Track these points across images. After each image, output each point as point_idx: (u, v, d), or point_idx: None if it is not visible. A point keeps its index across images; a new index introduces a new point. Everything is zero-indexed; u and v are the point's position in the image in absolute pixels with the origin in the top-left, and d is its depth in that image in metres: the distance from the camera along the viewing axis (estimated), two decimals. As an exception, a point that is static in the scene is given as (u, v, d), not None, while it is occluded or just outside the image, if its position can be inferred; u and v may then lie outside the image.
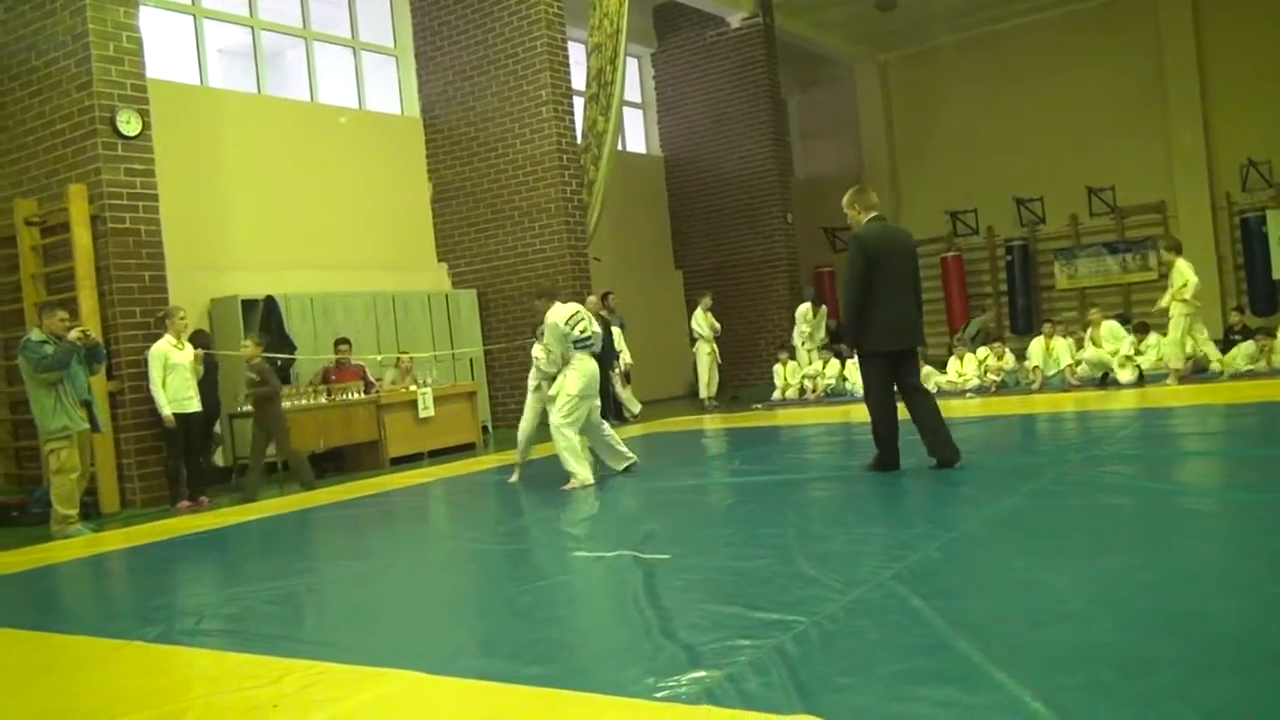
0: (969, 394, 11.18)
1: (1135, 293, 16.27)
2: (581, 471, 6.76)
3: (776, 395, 12.95)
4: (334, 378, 9.77)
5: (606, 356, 11.19)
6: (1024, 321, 17.07)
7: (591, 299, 11.40)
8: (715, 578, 4.00)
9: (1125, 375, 10.37)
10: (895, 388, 6.02)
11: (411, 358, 10.64)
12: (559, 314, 6.87)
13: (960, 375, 11.65)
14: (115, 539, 6.64)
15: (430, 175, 13.01)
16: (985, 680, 2.53)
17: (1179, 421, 7.64)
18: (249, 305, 10.05)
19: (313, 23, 12.17)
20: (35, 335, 6.96)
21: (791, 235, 16.37)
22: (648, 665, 2.92)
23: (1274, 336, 10.56)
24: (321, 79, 12.15)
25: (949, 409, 9.74)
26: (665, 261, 16.97)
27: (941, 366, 12.20)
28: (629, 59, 14.54)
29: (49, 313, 7.08)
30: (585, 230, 12.43)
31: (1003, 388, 11.22)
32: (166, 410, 7.78)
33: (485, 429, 11.58)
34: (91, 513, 7.67)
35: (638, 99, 17.21)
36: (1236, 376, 10.17)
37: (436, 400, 10.08)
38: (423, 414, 9.95)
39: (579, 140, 12.48)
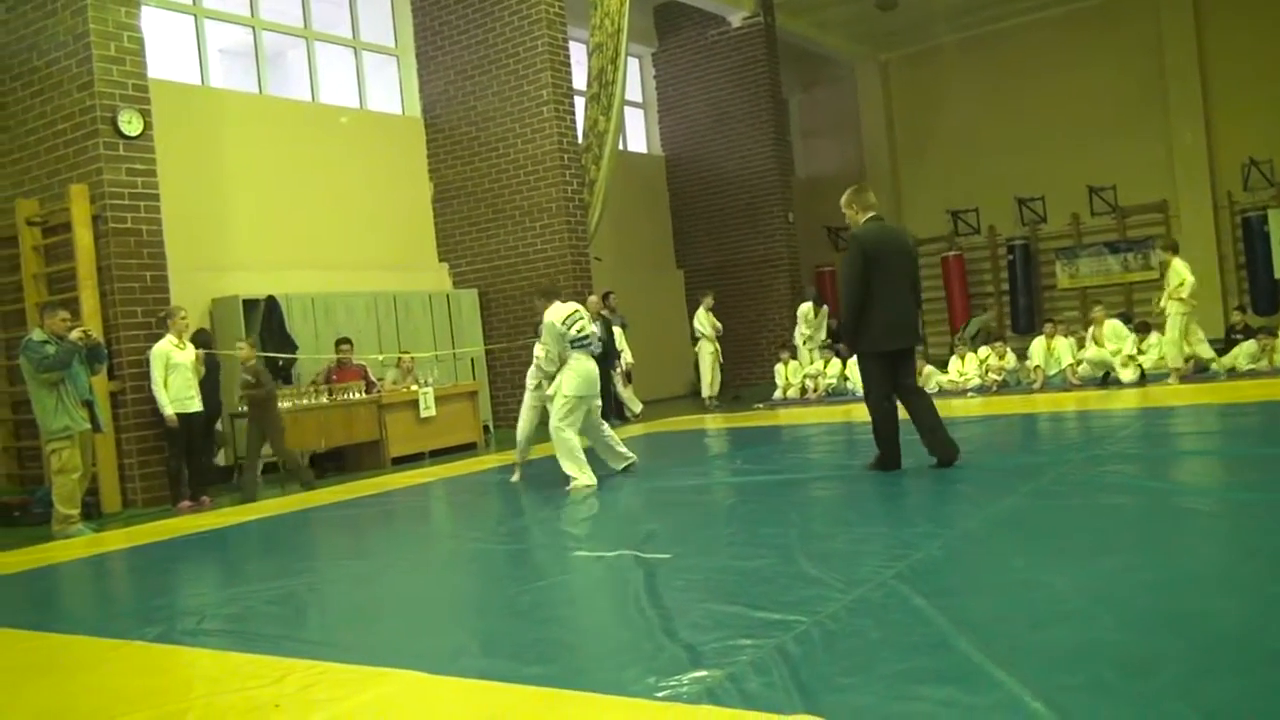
0: (970, 393, 11.17)
1: (1136, 292, 16.25)
2: (581, 475, 6.76)
3: (778, 395, 12.94)
4: (335, 378, 9.78)
5: (608, 356, 11.25)
6: (1025, 321, 17.07)
7: (593, 299, 11.42)
8: (716, 577, 4.00)
9: (1127, 375, 10.36)
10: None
11: (413, 357, 10.65)
12: (556, 313, 6.86)
13: (961, 375, 11.64)
14: (116, 539, 6.64)
15: (431, 175, 13.02)
16: (986, 679, 2.53)
17: (1180, 421, 7.63)
18: (250, 305, 10.05)
19: (314, 23, 12.17)
20: (37, 335, 6.97)
21: (793, 235, 16.37)
22: (649, 665, 2.92)
23: (1275, 336, 10.55)
24: (322, 79, 12.15)
25: (950, 408, 9.76)
26: (666, 261, 16.97)
27: (943, 366, 12.19)
28: (630, 59, 14.54)
29: (50, 313, 7.09)
30: (586, 230, 12.43)
31: (1004, 387, 11.22)
32: (169, 410, 7.78)
33: (486, 429, 11.58)
34: (93, 513, 7.68)
35: (639, 98, 17.21)
36: (1235, 375, 10.17)
37: (438, 400, 10.08)
38: (424, 414, 9.96)
39: (580, 140, 12.48)
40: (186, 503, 7.93)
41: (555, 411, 6.84)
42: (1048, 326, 11.42)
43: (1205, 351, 10.41)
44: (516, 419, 7.63)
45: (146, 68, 8.58)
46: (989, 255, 18.22)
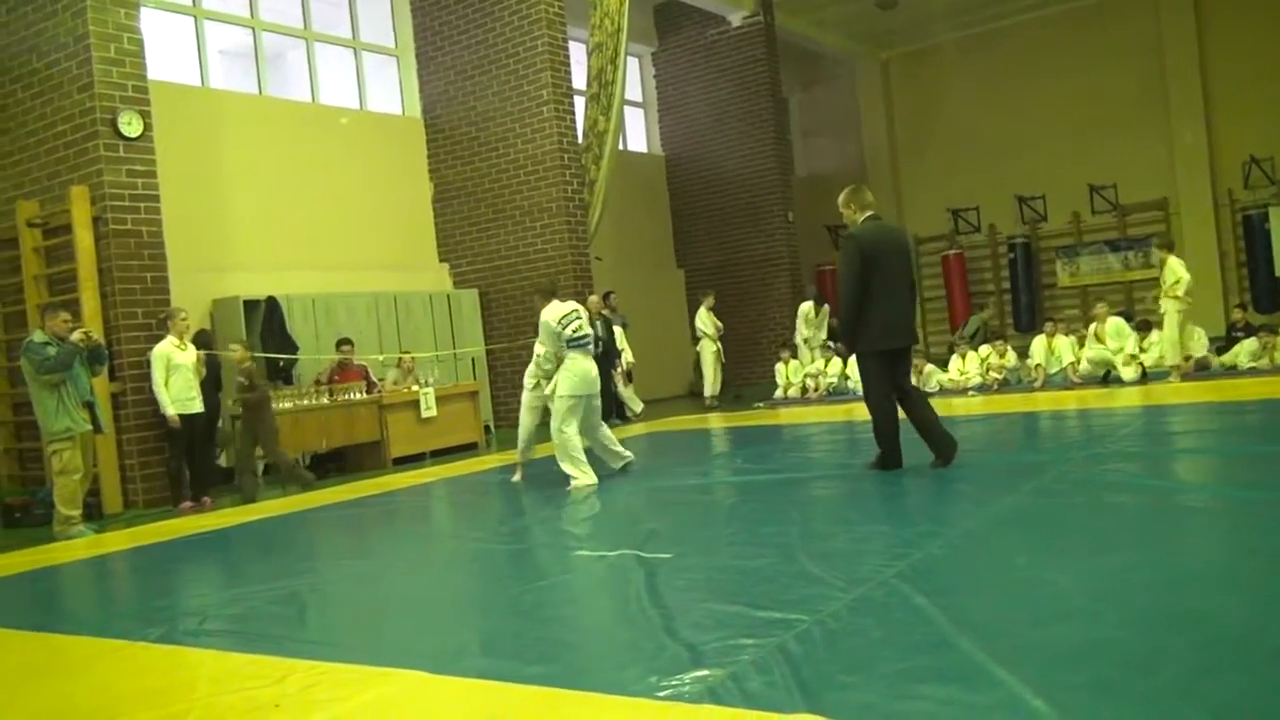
0: (971, 392, 11.18)
1: (1137, 290, 16.25)
2: (582, 475, 6.76)
3: (778, 394, 12.94)
4: (336, 378, 9.78)
5: (609, 356, 11.26)
6: (1027, 319, 17.07)
7: (593, 298, 11.42)
8: (718, 577, 4.00)
9: (1128, 373, 10.36)
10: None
11: (413, 358, 10.65)
12: (552, 313, 6.87)
13: (962, 373, 11.64)
14: (118, 540, 6.64)
15: (431, 175, 13.02)
16: (987, 678, 2.53)
17: (1181, 419, 7.62)
18: (251, 306, 10.06)
19: (313, 23, 12.17)
20: (38, 337, 6.97)
21: (793, 234, 16.37)
22: (650, 664, 2.92)
23: (1276, 333, 10.54)
24: (322, 79, 12.16)
25: (951, 407, 9.77)
26: (667, 261, 16.97)
27: (943, 365, 12.19)
28: (630, 58, 14.53)
29: (51, 314, 7.09)
30: (587, 230, 12.43)
31: (1005, 386, 11.22)
32: (171, 410, 7.79)
33: (487, 429, 11.58)
34: (94, 514, 7.69)
35: (639, 98, 17.21)
36: (1234, 372, 10.17)
37: (438, 400, 10.08)
38: (425, 414, 9.96)
39: (580, 140, 12.48)
40: (188, 503, 7.94)
41: (555, 412, 6.85)
42: (1048, 325, 11.42)
43: (1198, 351, 10.43)
44: (518, 419, 7.63)
45: (146, 69, 8.58)
46: (989, 254, 18.22)
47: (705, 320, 13.28)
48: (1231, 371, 10.36)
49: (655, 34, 17.05)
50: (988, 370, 11.40)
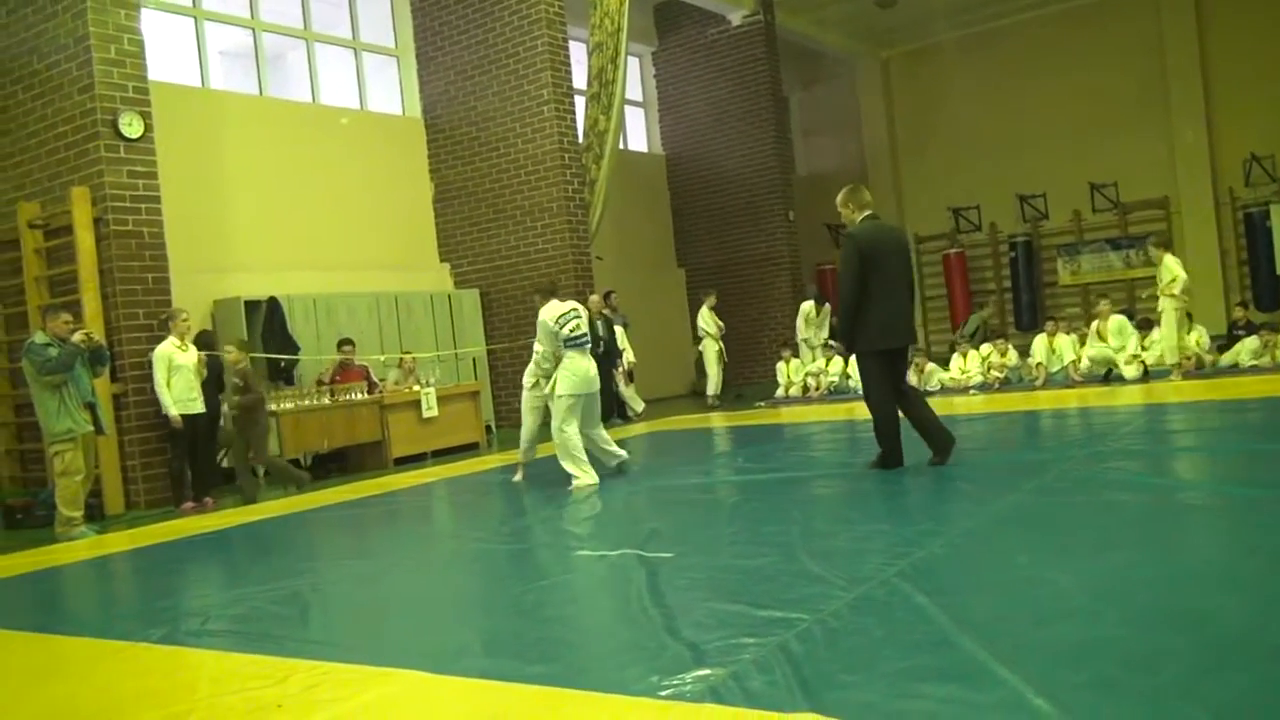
0: (972, 390, 11.18)
1: (1139, 288, 16.23)
2: (583, 474, 6.76)
3: (780, 393, 12.94)
4: (338, 378, 9.79)
5: (610, 355, 11.26)
6: (1028, 318, 17.07)
7: (594, 298, 11.42)
8: (719, 576, 4.00)
9: (1130, 371, 10.35)
10: None
11: (414, 358, 10.65)
12: (550, 312, 6.87)
13: (964, 372, 11.64)
14: (120, 541, 6.65)
15: (432, 175, 13.02)
16: (989, 677, 2.53)
17: (1183, 417, 7.62)
18: (252, 306, 10.06)
19: (313, 24, 12.18)
20: (39, 338, 6.97)
21: (794, 233, 16.36)
22: (652, 664, 2.92)
23: (1277, 331, 10.54)
24: (323, 80, 12.16)
25: (952, 405, 9.77)
26: (668, 260, 16.97)
27: (944, 363, 12.19)
28: (630, 58, 14.53)
29: (53, 315, 7.10)
30: (587, 229, 12.43)
31: (1006, 384, 11.22)
32: (173, 411, 7.80)
33: (489, 429, 11.59)
34: (96, 515, 7.69)
35: (639, 98, 17.21)
36: (1235, 370, 10.16)
37: (440, 400, 10.08)
38: (426, 414, 9.96)
39: (580, 139, 12.48)
40: (189, 504, 7.94)
41: (555, 412, 6.85)
42: (1049, 325, 11.42)
43: (1193, 349, 10.44)
44: (518, 419, 7.63)
45: (147, 70, 8.58)
46: (990, 252, 18.20)
47: (707, 319, 13.28)
48: (1233, 370, 10.36)
49: (655, 33, 17.04)
50: (989, 369, 11.40)
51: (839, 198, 6.17)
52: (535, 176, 12.16)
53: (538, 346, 7.06)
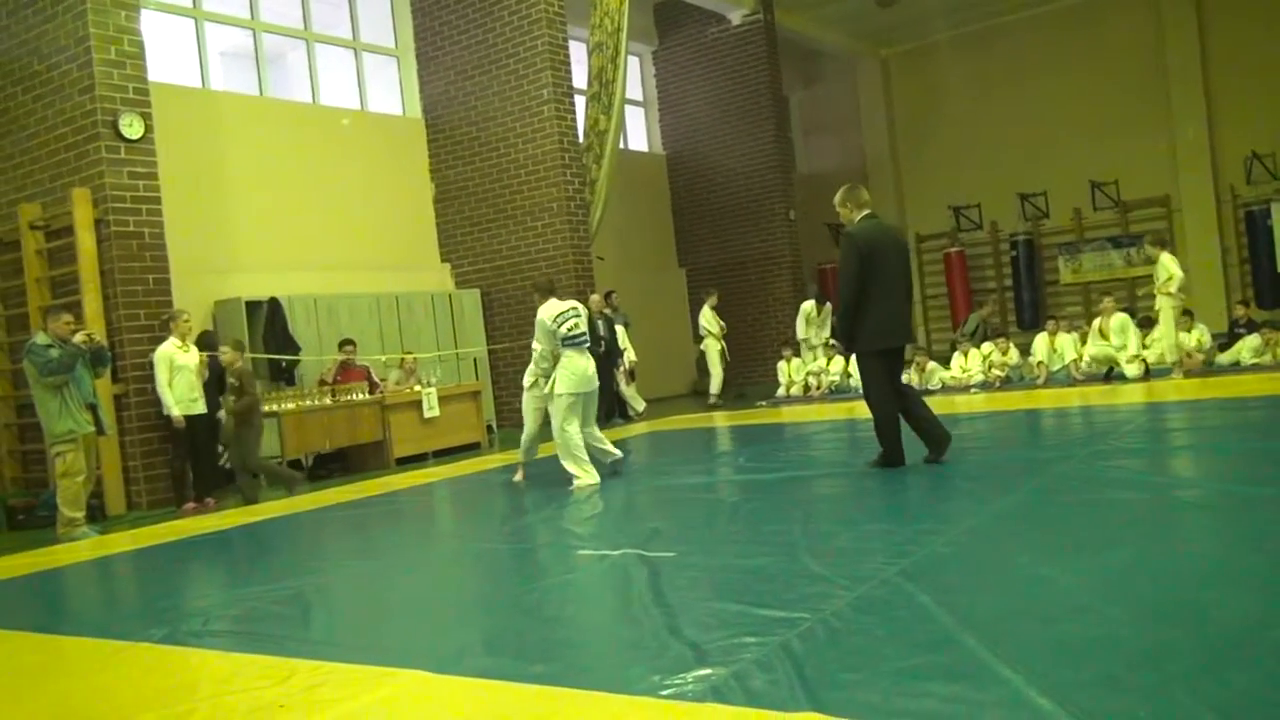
0: (974, 389, 11.17)
1: (1140, 287, 16.23)
2: (584, 474, 6.76)
3: (781, 392, 12.94)
4: (339, 379, 9.79)
5: (611, 355, 11.26)
6: (1030, 316, 17.07)
7: (595, 297, 11.42)
8: (720, 575, 4.00)
9: (1131, 370, 10.34)
10: None
11: (415, 358, 10.66)
12: (548, 311, 6.86)
13: (965, 371, 11.63)
14: (121, 541, 6.65)
15: (432, 175, 13.02)
16: (991, 676, 2.53)
17: (1184, 415, 7.61)
18: (253, 307, 10.07)
19: (313, 24, 12.18)
20: (40, 339, 6.98)
21: (794, 232, 16.36)
22: (653, 663, 2.92)
23: (1278, 329, 10.53)
24: (323, 80, 12.16)
25: (953, 404, 9.76)
26: (668, 259, 16.97)
27: (945, 362, 12.19)
28: (630, 57, 14.53)
29: (54, 316, 7.10)
30: (588, 229, 12.43)
31: (1007, 383, 11.21)
32: (175, 411, 7.80)
33: (490, 428, 11.59)
34: (98, 515, 7.70)
35: (639, 97, 17.21)
36: (1236, 368, 10.16)
37: (441, 400, 10.08)
38: (428, 414, 9.96)
39: (581, 139, 12.48)
40: (191, 505, 7.95)
41: (555, 411, 6.85)
42: (1050, 324, 11.41)
43: (1194, 346, 10.45)
44: (519, 419, 7.63)
45: (147, 71, 8.59)
46: (991, 251, 18.20)
47: (709, 319, 13.28)
48: (1234, 368, 10.35)
49: (655, 33, 17.04)
50: (990, 368, 11.39)
51: (837, 197, 6.17)
52: (536, 176, 12.16)
53: (536, 345, 7.07)
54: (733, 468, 7.40)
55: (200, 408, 7.98)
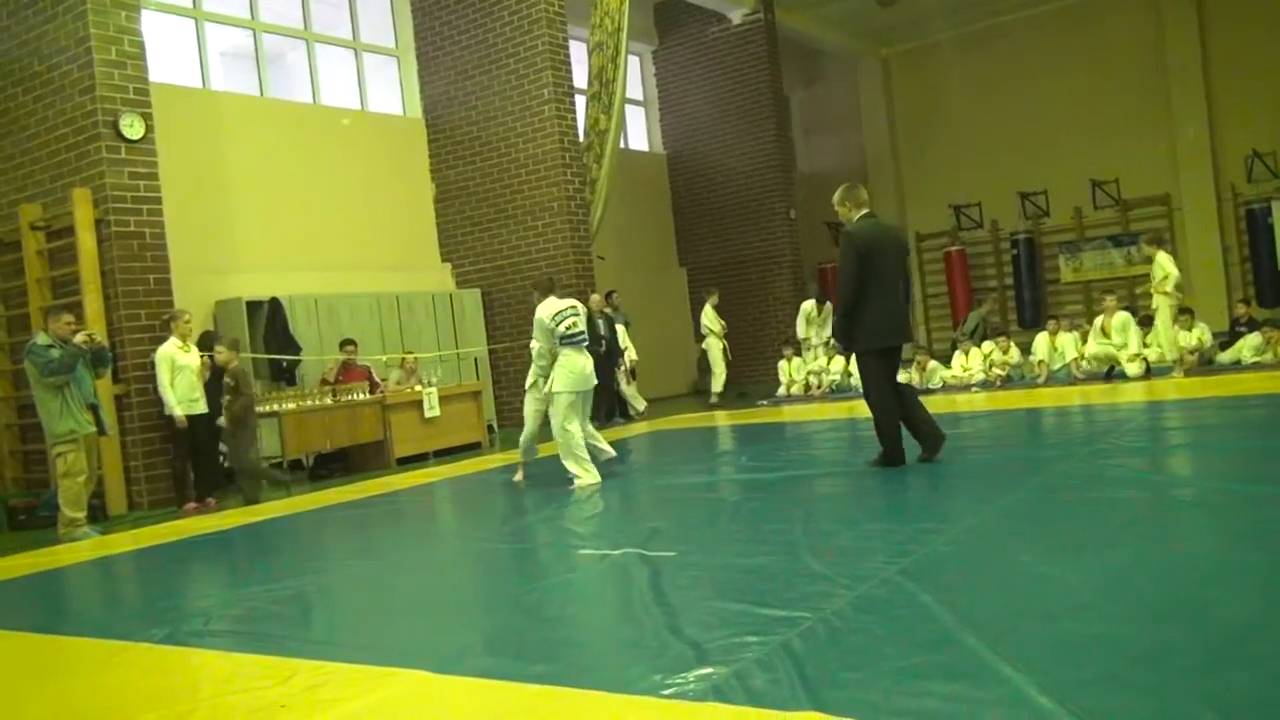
0: (974, 388, 11.17)
1: (1140, 285, 16.19)
2: (585, 473, 6.76)
3: (781, 392, 12.94)
4: (340, 378, 9.80)
5: (612, 354, 11.26)
6: (1031, 314, 17.06)
7: (595, 297, 11.42)
8: (721, 575, 3.99)
9: (1132, 369, 10.34)
10: None
11: (416, 358, 10.66)
12: (546, 309, 6.87)
13: (965, 370, 11.63)
14: (123, 541, 6.65)
15: (433, 175, 13.02)
16: (992, 674, 2.53)
17: (1185, 414, 7.61)
18: (254, 307, 10.07)
19: (314, 24, 12.18)
20: (41, 339, 6.98)
21: (795, 231, 16.36)
22: (654, 663, 2.92)
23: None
24: (323, 80, 12.16)
25: (954, 403, 9.76)
26: (669, 259, 16.97)
27: (946, 361, 12.18)
28: (630, 57, 14.53)
29: (55, 316, 7.10)
30: (588, 229, 12.43)
31: (1008, 382, 11.21)
32: (178, 411, 7.80)
33: (490, 428, 11.59)
34: (99, 515, 7.70)
35: (640, 97, 17.21)
36: (1237, 367, 10.15)
37: (442, 400, 10.09)
38: (428, 414, 9.96)
39: (581, 139, 12.48)
40: (192, 505, 7.95)
41: (555, 410, 6.85)
42: (1050, 324, 11.41)
43: (1191, 344, 10.45)
44: (520, 418, 7.62)
45: (147, 71, 8.59)
46: (992, 250, 18.19)
47: (711, 318, 13.28)
48: (1235, 366, 10.35)
49: (656, 32, 17.04)
50: (991, 367, 11.39)
51: (836, 196, 6.18)
52: (536, 176, 12.16)
53: (534, 344, 7.07)
54: (733, 467, 7.40)
55: (201, 408, 7.98)
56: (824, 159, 19.53)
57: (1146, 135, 16.51)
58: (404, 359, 10.60)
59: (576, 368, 6.84)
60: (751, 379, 15.66)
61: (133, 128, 8.32)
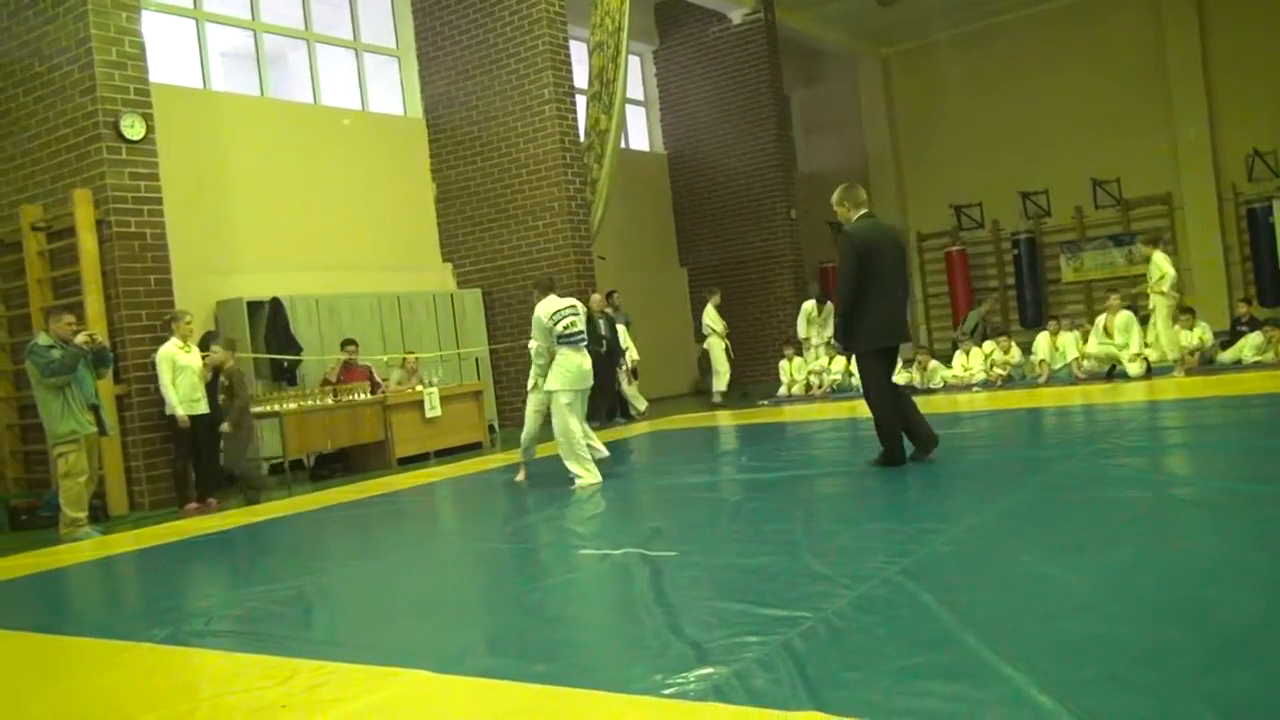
0: (975, 388, 11.17)
1: (1140, 285, 16.20)
2: (586, 474, 6.76)
3: (782, 391, 12.94)
4: (341, 379, 9.80)
5: (613, 354, 11.26)
6: (1032, 314, 17.06)
7: (596, 297, 11.42)
8: (722, 574, 4.00)
9: (1134, 368, 10.33)
10: None
11: (417, 358, 10.66)
12: (545, 308, 6.87)
13: (966, 369, 11.63)
14: (124, 541, 6.66)
15: (434, 175, 13.03)
16: (993, 674, 2.53)
17: (1186, 414, 7.61)
18: (255, 307, 10.08)
19: (314, 25, 12.18)
20: (42, 340, 6.99)
21: (796, 231, 16.36)
22: (655, 662, 2.92)
23: (1281, 327, 10.53)
24: (324, 81, 12.16)
25: (955, 403, 9.76)
26: (670, 259, 16.97)
27: (947, 361, 12.18)
28: (631, 56, 14.52)
29: (56, 317, 7.11)
30: (589, 229, 12.43)
31: (1009, 381, 11.21)
32: (180, 411, 7.80)
33: (491, 428, 11.59)
34: (100, 516, 7.70)
35: (640, 96, 17.20)
36: (1238, 366, 10.15)
37: (443, 400, 10.09)
38: (429, 414, 9.97)
39: (582, 139, 12.48)
40: (193, 505, 7.95)
41: (555, 410, 6.85)
42: (1051, 324, 11.41)
43: (1190, 344, 10.45)
44: (521, 418, 7.63)
45: (148, 72, 8.59)
46: (993, 249, 18.19)
47: (713, 317, 13.28)
48: (1236, 366, 10.34)
49: (656, 32, 17.04)
50: (992, 366, 11.39)
51: (835, 196, 6.18)
52: (537, 176, 12.16)
53: (532, 343, 7.07)
54: (734, 467, 7.40)
55: (202, 408, 7.98)
56: (824, 159, 19.53)
57: (1147, 134, 16.50)
58: (405, 359, 10.60)
59: (573, 366, 6.84)
60: (752, 379, 15.65)
61: (133, 128, 8.33)
